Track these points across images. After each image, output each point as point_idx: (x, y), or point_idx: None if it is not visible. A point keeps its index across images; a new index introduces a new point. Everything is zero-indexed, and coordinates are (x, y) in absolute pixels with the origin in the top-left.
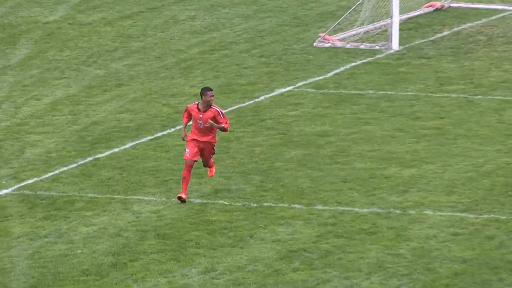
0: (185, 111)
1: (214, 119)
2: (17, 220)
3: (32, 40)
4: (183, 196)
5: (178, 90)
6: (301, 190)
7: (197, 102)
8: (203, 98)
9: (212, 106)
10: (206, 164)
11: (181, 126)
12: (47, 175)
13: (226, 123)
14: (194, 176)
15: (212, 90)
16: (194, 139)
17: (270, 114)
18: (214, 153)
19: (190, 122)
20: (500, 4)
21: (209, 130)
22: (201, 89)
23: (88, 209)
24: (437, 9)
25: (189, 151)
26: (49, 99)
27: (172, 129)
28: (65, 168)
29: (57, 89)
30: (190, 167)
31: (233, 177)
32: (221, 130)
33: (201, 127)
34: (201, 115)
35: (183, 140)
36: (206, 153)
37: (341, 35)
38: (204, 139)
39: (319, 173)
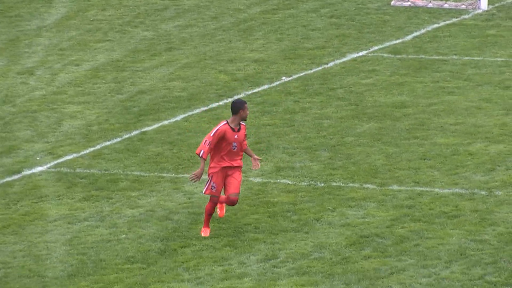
0: (216, 136)
1: (244, 135)
2: (53, 202)
3: None
4: (206, 232)
5: (236, 55)
6: (374, 168)
7: (225, 122)
8: (241, 113)
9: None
10: (234, 199)
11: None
12: (87, 151)
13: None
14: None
15: (246, 102)
16: (224, 168)
17: (341, 83)
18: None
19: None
20: None
21: (240, 151)
22: (234, 103)
23: (133, 189)
24: None
25: (216, 185)
26: (89, 65)
27: (229, 99)
28: (107, 143)
29: (98, 53)
30: (216, 204)
31: (297, 153)
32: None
33: (234, 150)
34: (236, 136)
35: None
36: (236, 180)
37: None
38: (236, 163)
39: (395, 149)
